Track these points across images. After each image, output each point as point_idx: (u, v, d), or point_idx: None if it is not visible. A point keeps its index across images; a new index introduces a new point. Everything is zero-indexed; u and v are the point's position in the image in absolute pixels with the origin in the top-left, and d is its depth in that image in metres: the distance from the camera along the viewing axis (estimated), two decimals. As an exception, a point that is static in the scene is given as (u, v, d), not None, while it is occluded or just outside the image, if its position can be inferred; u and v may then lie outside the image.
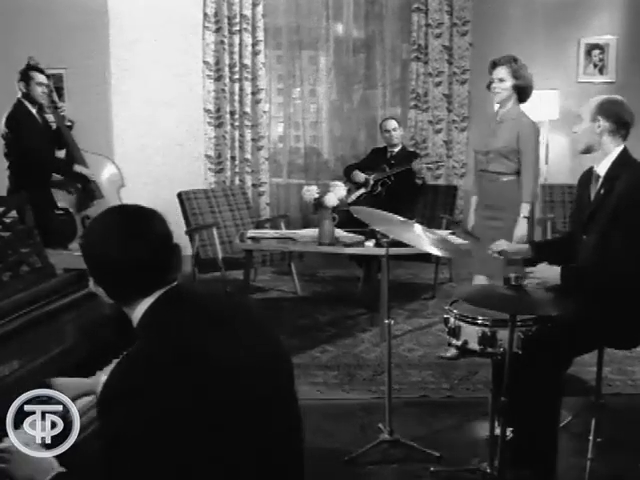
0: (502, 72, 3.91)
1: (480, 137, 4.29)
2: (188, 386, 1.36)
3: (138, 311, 1.52)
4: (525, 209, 3.89)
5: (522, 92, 3.95)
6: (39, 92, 4.75)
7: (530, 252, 2.97)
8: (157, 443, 1.34)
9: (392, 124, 5.66)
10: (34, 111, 4.78)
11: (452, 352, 4.08)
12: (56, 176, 4.94)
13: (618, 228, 2.62)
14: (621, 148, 2.75)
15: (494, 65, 3.95)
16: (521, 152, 3.91)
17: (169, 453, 1.34)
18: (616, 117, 2.73)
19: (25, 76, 4.75)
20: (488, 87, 4.08)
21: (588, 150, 2.80)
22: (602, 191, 2.75)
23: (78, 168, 4.98)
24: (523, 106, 4.04)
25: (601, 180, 2.77)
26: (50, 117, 5.00)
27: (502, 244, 3.06)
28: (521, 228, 3.88)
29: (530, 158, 3.92)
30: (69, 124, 5.06)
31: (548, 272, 2.69)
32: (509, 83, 3.90)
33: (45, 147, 4.82)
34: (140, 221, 1.54)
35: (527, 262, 2.97)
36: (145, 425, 1.34)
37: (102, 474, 1.38)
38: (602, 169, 2.77)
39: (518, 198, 3.91)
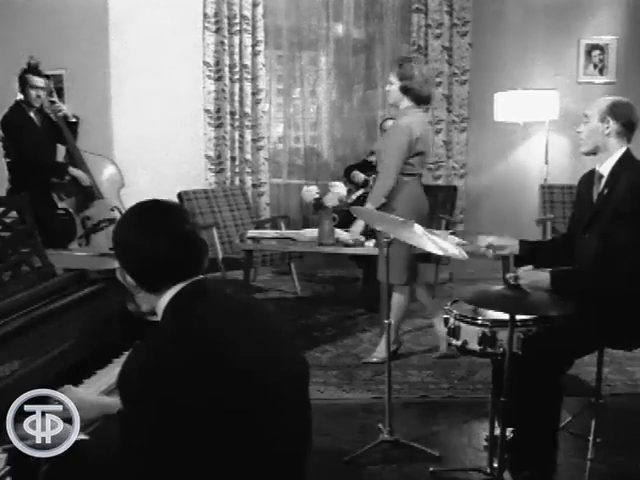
0: (391, 76, 3.96)
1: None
2: (203, 374, 1.41)
3: (162, 301, 1.59)
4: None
5: (411, 93, 3.91)
6: (33, 96, 4.70)
7: (517, 249, 2.91)
8: (171, 425, 1.39)
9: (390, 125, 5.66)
10: (31, 113, 4.76)
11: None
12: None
13: (621, 228, 2.62)
14: (624, 149, 2.75)
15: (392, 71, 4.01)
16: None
17: (184, 437, 1.39)
18: (625, 119, 2.72)
19: (21, 79, 4.73)
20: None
21: (594, 151, 2.78)
22: (605, 191, 2.74)
23: (73, 172, 4.97)
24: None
25: (604, 180, 2.76)
26: (52, 117, 4.98)
27: (489, 238, 2.93)
28: (357, 226, 3.92)
29: (384, 162, 3.94)
30: (74, 120, 5.03)
31: (536, 276, 2.64)
32: (395, 86, 3.91)
33: (43, 150, 4.80)
34: (170, 217, 1.61)
35: (518, 261, 2.94)
36: (161, 408, 1.38)
37: (120, 451, 1.44)
38: (605, 169, 2.76)
39: (404, 198, 3.92)
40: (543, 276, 2.63)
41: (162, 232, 1.58)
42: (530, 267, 2.71)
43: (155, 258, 1.57)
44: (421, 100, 3.96)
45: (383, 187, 3.93)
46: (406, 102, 3.93)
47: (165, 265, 1.57)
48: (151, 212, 1.63)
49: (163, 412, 1.38)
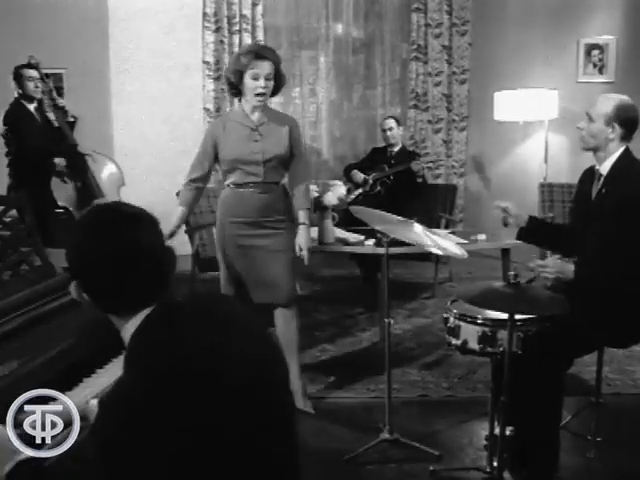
0: (269, 67, 3.27)
1: (235, 146, 3.37)
2: (192, 404, 1.27)
3: (127, 330, 1.39)
4: (306, 216, 3.46)
5: (278, 88, 3.44)
6: (31, 87, 4.81)
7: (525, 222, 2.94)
8: (151, 456, 1.25)
9: (389, 123, 5.66)
10: (32, 109, 4.80)
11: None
12: (61, 165, 4.92)
13: (621, 229, 2.62)
14: (623, 148, 2.75)
15: (257, 57, 3.23)
16: (296, 154, 3.42)
17: (163, 457, 1.26)
18: (631, 124, 2.72)
19: (17, 76, 4.82)
20: (236, 87, 3.38)
21: (594, 150, 2.78)
22: (604, 190, 2.75)
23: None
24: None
25: (603, 179, 2.77)
26: (51, 115, 5.00)
27: (508, 203, 2.92)
28: (309, 236, 3.49)
29: (305, 159, 3.53)
30: (72, 119, 5.05)
31: (563, 267, 2.68)
32: (272, 81, 3.33)
33: (44, 146, 4.82)
34: (135, 227, 1.37)
35: (520, 235, 2.97)
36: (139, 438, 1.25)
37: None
38: (604, 168, 2.76)
39: (290, 205, 3.47)
40: (569, 267, 2.66)
41: (127, 246, 1.33)
42: (557, 257, 2.79)
43: (119, 275, 1.33)
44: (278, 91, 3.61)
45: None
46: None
47: (131, 285, 1.34)
48: (112, 219, 1.36)
49: (152, 452, 1.24)
